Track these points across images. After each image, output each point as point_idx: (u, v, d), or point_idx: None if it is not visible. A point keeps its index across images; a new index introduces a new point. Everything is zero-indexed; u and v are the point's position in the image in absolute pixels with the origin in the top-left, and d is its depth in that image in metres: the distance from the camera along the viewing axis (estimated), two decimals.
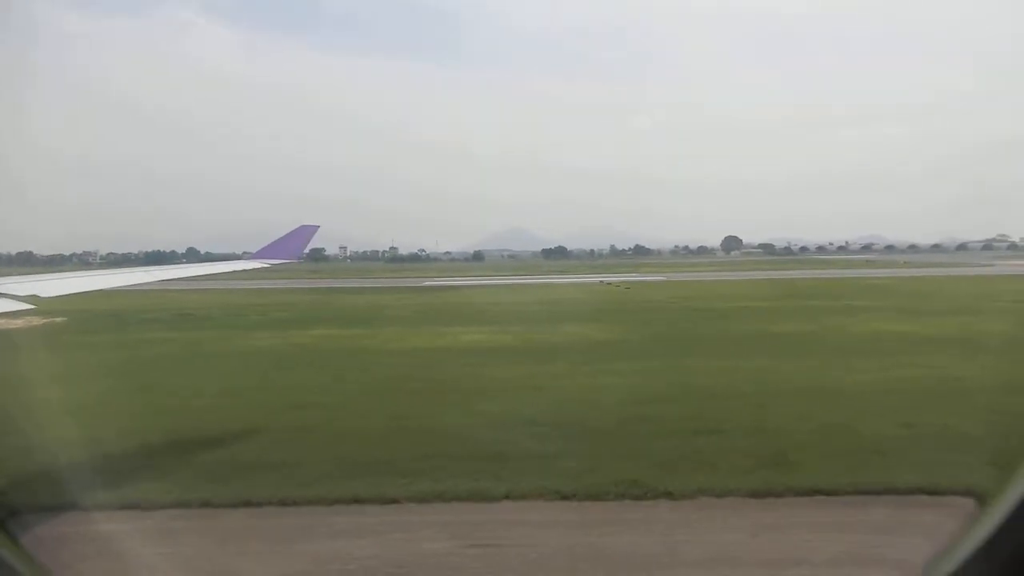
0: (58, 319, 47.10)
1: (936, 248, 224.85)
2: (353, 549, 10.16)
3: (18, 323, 46.06)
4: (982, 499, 9.92)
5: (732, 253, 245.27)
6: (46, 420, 17.51)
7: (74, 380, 23.47)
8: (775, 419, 16.34)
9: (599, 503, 11.65)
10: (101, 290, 15.58)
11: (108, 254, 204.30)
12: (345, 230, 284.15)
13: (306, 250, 19.98)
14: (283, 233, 18.77)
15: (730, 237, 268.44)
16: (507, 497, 11.89)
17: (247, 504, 11.83)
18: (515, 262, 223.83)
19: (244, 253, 19.59)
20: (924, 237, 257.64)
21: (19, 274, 20.66)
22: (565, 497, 11.83)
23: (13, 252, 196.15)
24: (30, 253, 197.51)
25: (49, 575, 5.10)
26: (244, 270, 18.91)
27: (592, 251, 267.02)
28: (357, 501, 11.86)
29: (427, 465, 13.36)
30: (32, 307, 12.76)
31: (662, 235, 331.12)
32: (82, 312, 49.21)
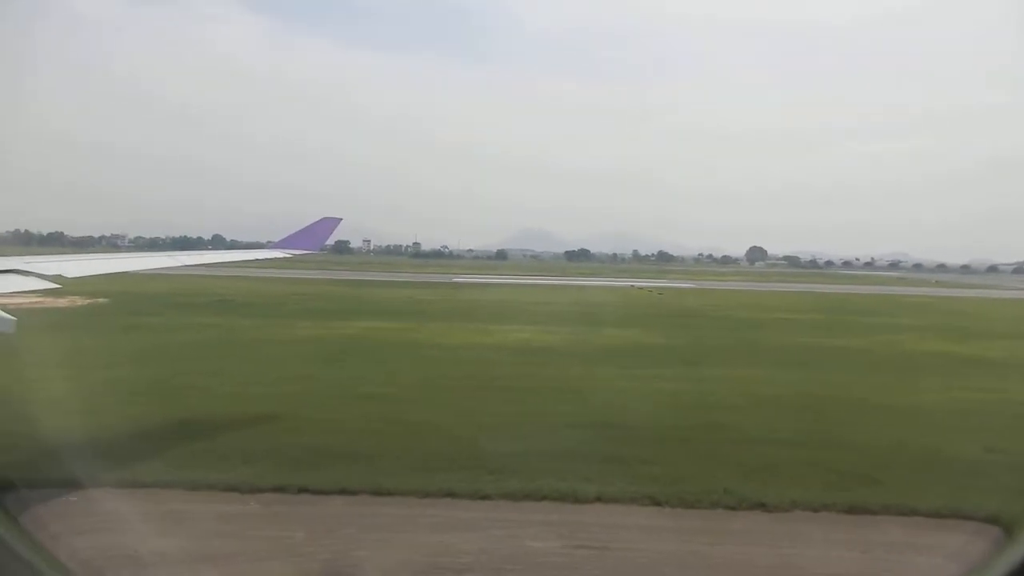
0: (101, 300, 47.97)
1: (966, 269, 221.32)
2: (458, 543, 10.23)
3: (62, 302, 47.09)
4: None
5: (756, 264, 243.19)
6: (122, 401, 17.90)
7: (140, 361, 23.86)
8: (852, 434, 16.19)
9: (693, 511, 11.62)
10: (125, 272, 15.94)
11: (136, 238, 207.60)
12: (367, 223, 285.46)
13: (328, 242, 20.18)
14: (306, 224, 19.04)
15: (755, 248, 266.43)
16: (599, 499, 11.90)
17: (343, 491, 11.94)
18: (538, 262, 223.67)
19: (268, 242, 19.78)
20: (950, 256, 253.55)
21: (47, 254, 20.97)
22: (657, 503, 11.83)
23: (44, 232, 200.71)
24: (61, 234, 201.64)
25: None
26: (266, 259, 19.22)
27: (615, 255, 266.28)
28: (450, 495, 11.93)
29: (511, 463, 13.39)
30: (58, 286, 13.02)
31: (684, 242, 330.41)
32: (120, 294, 49.98)
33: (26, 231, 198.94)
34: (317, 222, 18.94)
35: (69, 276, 13.25)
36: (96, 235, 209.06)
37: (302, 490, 11.97)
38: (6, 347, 26.94)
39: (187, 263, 17.88)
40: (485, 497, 11.91)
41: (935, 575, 9.69)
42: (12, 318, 11.57)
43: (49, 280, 12.67)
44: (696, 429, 16.34)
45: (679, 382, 22.13)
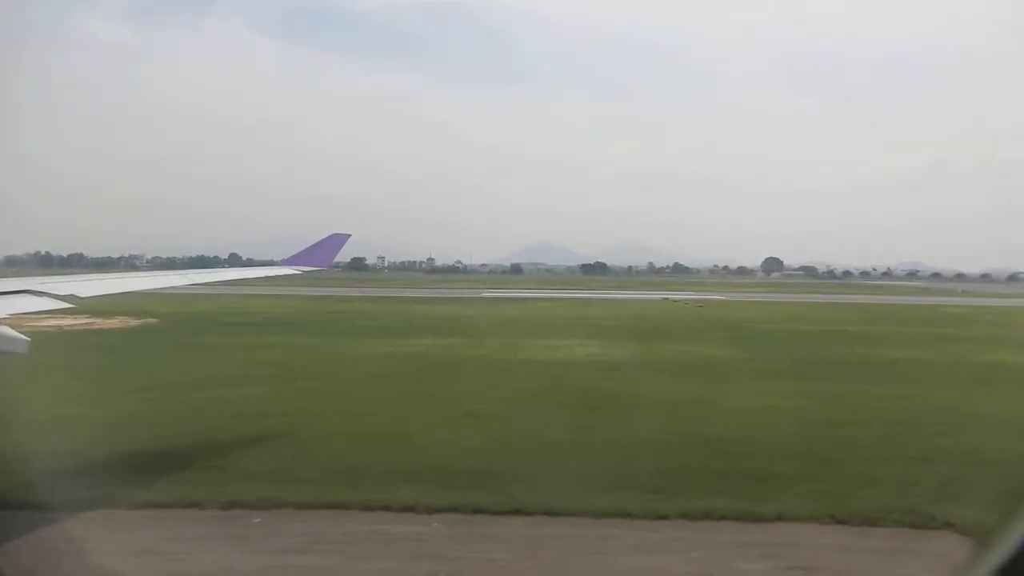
0: (151, 320, 48.26)
1: (986, 277, 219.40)
2: (666, 564, 10.09)
3: (114, 323, 47.44)
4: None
5: (772, 275, 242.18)
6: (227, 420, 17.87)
7: (235, 381, 23.86)
8: (983, 450, 15.88)
9: (880, 529, 11.41)
10: (139, 291, 16.27)
11: (153, 258, 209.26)
12: (376, 238, 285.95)
13: (343, 259, 20.12)
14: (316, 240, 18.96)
15: (770, 258, 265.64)
16: (780, 518, 11.72)
17: (517, 512, 11.81)
18: (556, 276, 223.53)
19: (282, 260, 19.86)
20: (966, 265, 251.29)
21: (66, 275, 21.00)
22: (840, 521, 11.63)
23: (64, 254, 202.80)
24: (80, 255, 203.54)
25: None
26: (277, 276, 19.24)
27: (630, 268, 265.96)
28: (627, 515, 11.78)
29: (664, 482, 13.23)
30: (71, 306, 13.06)
31: (697, 254, 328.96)
32: (167, 315, 50.34)
33: (47, 252, 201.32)
34: (326, 238, 18.92)
35: (82, 296, 13.29)
36: (115, 256, 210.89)
37: (477, 511, 11.87)
38: (131, 364, 27.10)
39: (197, 281, 17.89)
40: (662, 517, 11.75)
41: None
42: (26, 338, 11.67)
43: (62, 300, 12.74)
44: (829, 445, 16.12)
45: (780, 397, 21.87)
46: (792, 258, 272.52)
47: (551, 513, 11.83)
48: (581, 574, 9.88)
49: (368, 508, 11.95)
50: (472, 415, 18.73)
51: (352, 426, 17.42)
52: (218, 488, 12.60)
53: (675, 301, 74.71)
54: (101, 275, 17.43)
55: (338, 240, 18.94)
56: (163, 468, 13.72)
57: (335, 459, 14.53)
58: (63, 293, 12.86)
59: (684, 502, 12.25)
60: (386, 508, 11.93)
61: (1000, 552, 2.84)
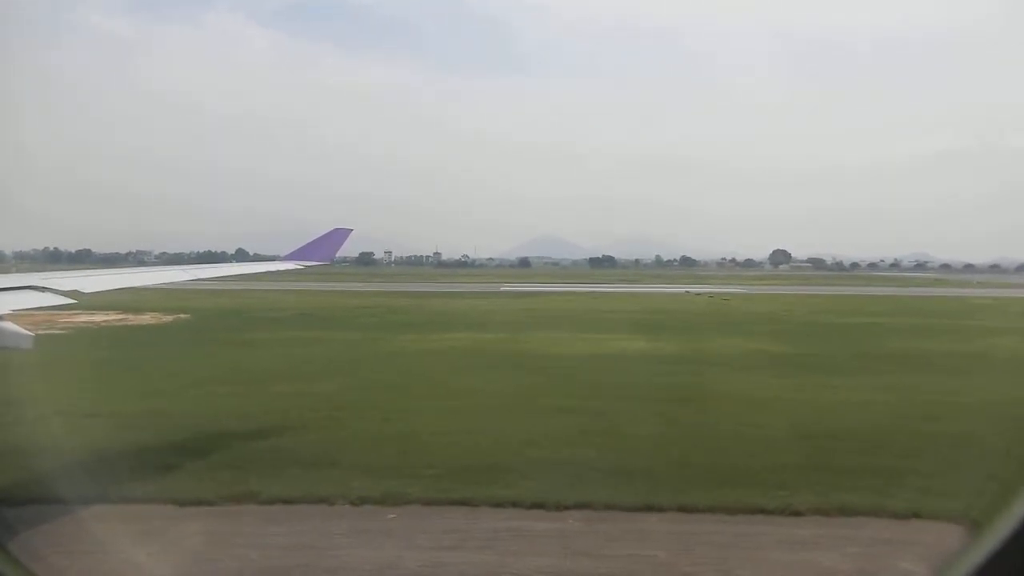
0: (183, 316, 48.21)
1: (995, 268, 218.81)
2: (825, 561, 10.00)
3: (146, 318, 47.40)
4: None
5: (781, 267, 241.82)
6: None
7: (303, 376, 23.77)
8: None
9: None
10: (144, 287, 16.37)
11: (161, 253, 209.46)
12: (380, 235, 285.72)
13: (351, 254, 20.10)
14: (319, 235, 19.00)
15: (778, 251, 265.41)
16: (915, 516, 11.61)
17: (650, 508, 11.72)
18: (565, 270, 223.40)
19: (285, 255, 19.85)
20: (973, 255, 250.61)
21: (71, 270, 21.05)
22: (979, 522, 11.53)
23: (73, 250, 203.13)
24: (88, 251, 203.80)
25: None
26: (280, 271, 19.26)
27: (637, 261, 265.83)
28: (761, 511, 11.69)
29: (781, 477, 13.13)
30: (74, 301, 13.11)
31: (703, 246, 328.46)
32: (197, 310, 50.44)
33: (55, 248, 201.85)
34: (328, 233, 18.87)
35: (86, 291, 13.36)
36: (123, 252, 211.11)
37: (609, 507, 11.80)
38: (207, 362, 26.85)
39: (200, 276, 18.09)
40: (797, 513, 11.65)
41: None
42: (31, 334, 11.82)
43: (66, 296, 12.75)
44: (929, 439, 15.98)
45: (857, 391, 21.64)
46: (798, 250, 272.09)
47: (684, 509, 11.75)
48: (745, 570, 9.78)
49: (498, 505, 11.89)
50: (561, 410, 18.62)
51: (440, 421, 17.33)
52: (341, 484, 12.54)
53: (697, 295, 74.54)
54: (103, 270, 17.40)
55: (340, 235, 18.91)
56: (278, 463, 13.65)
57: (439, 453, 14.42)
58: (66, 289, 12.91)
59: (813, 497, 12.12)
60: (515, 504, 11.87)
61: (992, 540, 2.83)
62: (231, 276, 19.77)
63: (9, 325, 11.72)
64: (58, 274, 14.78)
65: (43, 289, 12.53)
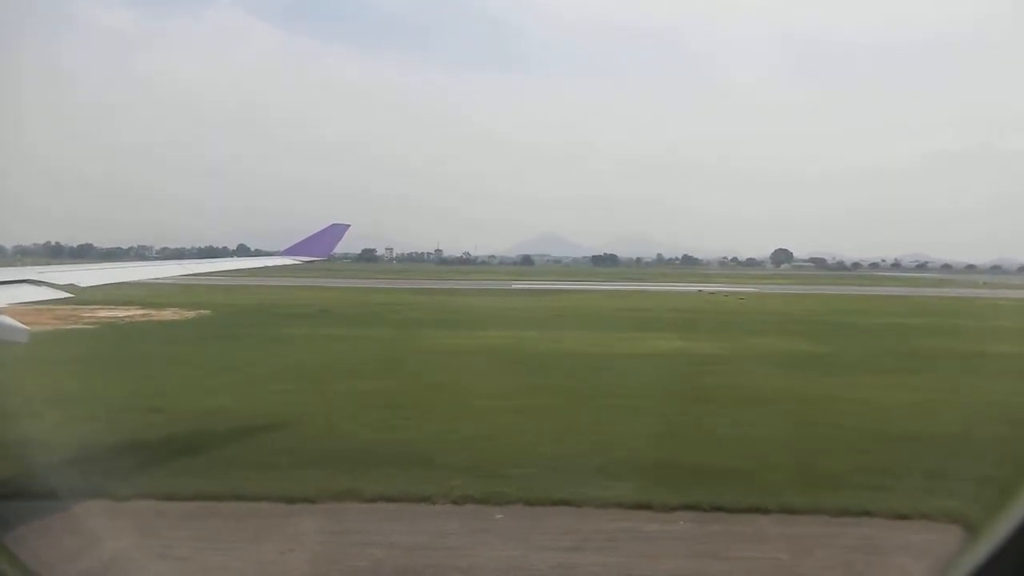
0: (205, 312, 48.08)
1: (996, 269, 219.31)
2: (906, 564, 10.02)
3: (167, 314, 47.26)
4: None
5: (782, 266, 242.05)
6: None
7: (351, 373, 23.68)
8: None
9: None
10: (139, 281, 16.76)
11: (163, 248, 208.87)
12: (381, 231, 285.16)
13: (347, 250, 20.01)
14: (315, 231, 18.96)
15: (780, 250, 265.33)
16: None
17: (756, 510, 11.68)
18: (568, 267, 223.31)
19: (283, 250, 19.82)
20: (972, 256, 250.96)
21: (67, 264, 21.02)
22: None
23: (75, 244, 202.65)
24: (90, 245, 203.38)
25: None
26: (277, 266, 19.30)
27: (639, 259, 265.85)
28: (866, 514, 11.62)
29: (866, 479, 13.03)
30: (70, 295, 13.11)
31: (704, 245, 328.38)
32: (218, 306, 50.30)
33: (56, 243, 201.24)
34: (326, 228, 18.87)
35: (82, 285, 13.37)
36: (125, 247, 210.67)
37: (716, 508, 11.76)
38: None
39: (195, 271, 18.12)
40: (904, 516, 11.58)
41: None
42: (26, 328, 11.84)
43: (62, 290, 12.77)
44: (1005, 443, 15.96)
45: (905, 391, 21.54)
46: (798, 249, 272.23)
47: (788, 511, 11.72)
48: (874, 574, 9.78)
49: (601, 506, 11.84)
50: (626, 410, 18.58)
51: (510, 420, 17.24)
52: (436, 483, 12.48)
53: (711, 293, 74.53)
54: (100, 265, 17.53)
55: (338, 230, 18.87)
56: (366, 462, 13.59)
57: (522, 453, 14.36)
58: (62, 283, 12.93)
59: (906, 501, 12.02)
60: (619, 505, 11.83)
61: (990, 541, 2.83)
62: (229, 271, 19.68)
63: (5, 319, 11.70)
64: (55, 268, 14.84)
65: (39, 283, 12.57)
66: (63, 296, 12.88)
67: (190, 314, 46.90)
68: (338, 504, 11.72)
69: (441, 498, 11.98)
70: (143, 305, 49.86)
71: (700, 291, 78.08)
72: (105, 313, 46.20)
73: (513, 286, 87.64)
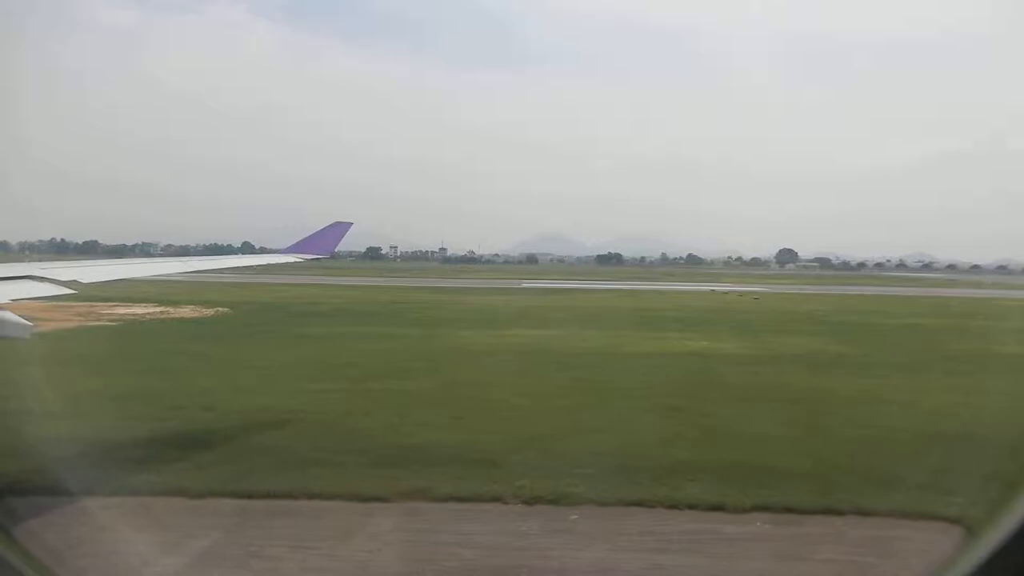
0: (223, 309, 48.09)
1: (1002, 269, 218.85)
2: None
3: (186, 311, 47.34)
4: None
5: (787, 266, 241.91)
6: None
7: (389, 373, 23.66)
8: None
9: None
10: (141, 277, 16.20)
11: (167, 246, 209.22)
12: (385, 230, 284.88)
13: (352, 248, 19.96)
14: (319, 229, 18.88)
15: (785, 249, 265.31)
16: None
17: (828, 511, 11.64)
18: (572, 266, 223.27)
19: (284, 248, 19.82)
20: (975, 255, 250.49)
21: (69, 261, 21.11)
22: None
23: (80, 241, 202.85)
24: (96, 242, 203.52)
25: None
26: (280, 264, 19.23)
27: (643, 259, 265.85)
28: (944, 518, 11.54)
29: (943, 482, 12.83)
30: (74, 292, 13.14)
31: (708, 244, 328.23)
32: (235, 304, 50.28)
33: (62, 240, 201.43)
34: (328, 227, 18.80)
35: (84, 281, 13.40)
36: (130, 244, 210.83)
37: (788, 509, 11.72)
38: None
39: (198, 268, 18.12)
40: (978, 519, 11.58)
41: None
42: (29, 323, 11.87)
43: (64, 286, 12.80)
44: None
45: (950, 392, 21.51)
46: (802, 248, 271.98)
47: (862, 513, 11.67)
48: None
49: (673, 506, 11.80)
50: (672, 408, 18.58)
51: (561, 420, 17.24)
52: (503, 483, 12.45)
53: (725, 293, 74.47)
54: (102, 261, 17.56)
55: (340, 228, 18.81)
56: (426, 461, 13.54)
57: (583, 452, 14.28)
58: (65, 279, 12.95)
59: (991, 505, 12.04)
60: (691, 507, 11.79)
61: (989, 541, 2.82)
62: (232, 268, 19.67)
63: (8, 315, 11.71)
64: (58, 264, 14.87)
65: (42, 279, 12.61)
66: (66, 292, 12.95)
67: (209, 312, 46.95)
68: (410, 503, 11.69)
69: (512, 498, 11.96)
70: (159, 303, 49.93)
71: (713, 291, 78.04)
72: (124, 311, 46.24)
73: (524, 285, 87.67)
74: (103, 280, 14.11)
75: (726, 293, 74.17)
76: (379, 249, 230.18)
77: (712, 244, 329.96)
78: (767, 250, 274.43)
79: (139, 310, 46.91)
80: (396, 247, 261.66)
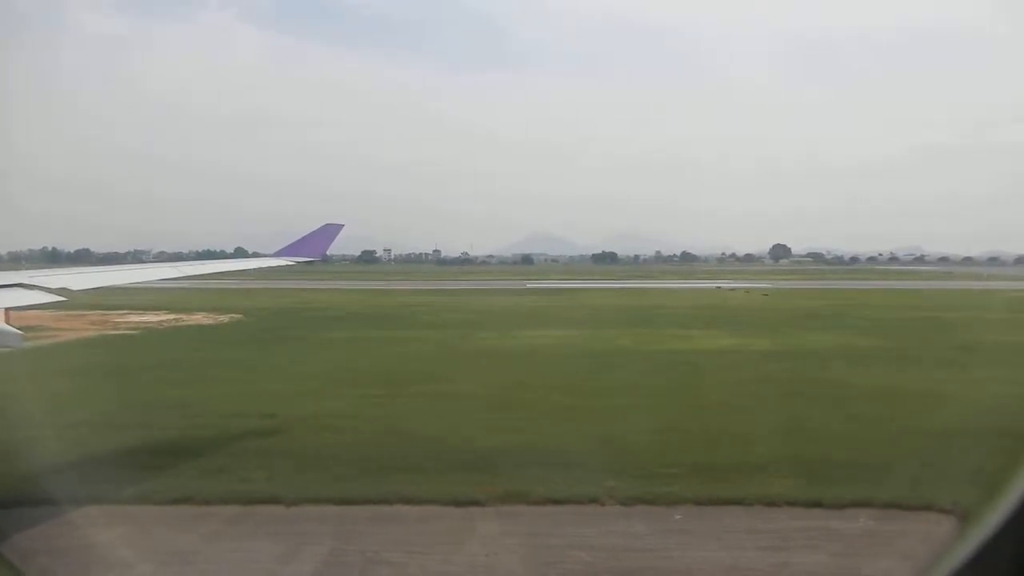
0: (237, 316, 47.68)
1: (994, 261, 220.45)
2: None
3: (199, 318, 46.95)
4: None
5: (781, 261, 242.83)
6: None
7: (428, 376, 23.46)
8: None
9: None
10: (132, 284, 16.46)
11: (159, 252, 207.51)
12: (377, 233, 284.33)
13: (346, 252, 19.85)
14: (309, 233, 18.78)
15: (778, 245, 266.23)
16: None
17: (928, 508, 11.58)
18: (567, 266, 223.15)
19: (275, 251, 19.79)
20: (966, 248, 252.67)
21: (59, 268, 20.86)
22: None
23: (71, 249, 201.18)
24: (87, 251, 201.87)
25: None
26: (271, 267, 19.30)
27: (637, 257, 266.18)
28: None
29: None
30: (63, 299, 13.14)
31: (700, 241, 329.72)
32: (247, 310, 49.84)
33: (53, 248, 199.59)
34: (319, 229, 18.78)
35: (74, 289, 13.43)
36: (122, 251, 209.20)
37: (888, 505, 11.67)
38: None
39: (189, 273, 18.08)
40: None
41: None
42: (20, 332, 11.96)
43: (54, 293, 12.78)
44: None
45: (982, 385, 21.16)
46: (795, 244, 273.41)
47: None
48: None
49: (771, 504, 11.72)
50: (724, 405, 18.58)
51: (631, 419, 17.12)
52: (593, 484, 12.34)
53: (731, 289, 74.64)
54: (92, 268, 17.35)
55: (331, 230, 18.78)
56: (504, 464, 13.41)
57: (659, 452, 14.19)
58: (55, 286, 12.93)
59: None
60: (789, 503, 11.73)
61: (982, 530, 2.83)
62: (222, 273, 19.62)
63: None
64: (48, 271, 14.78)
65: (32, 287, 12.57)
66: (56, 299, 12.89)
67: (223, 318, 46.54)
68: (507, 507, 11.58)
69: (608, 499, 11.86)
70: (169, 310, 49.53)
71: (719, 287, 78.19)
72: (136, 318, 45.84)
73: (528, 285, 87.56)
74: (93, 287, 14.04)
75: (732, 290, 74.32)
76: (373, 252, 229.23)
77: (705, 241, 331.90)
78: (760, 246, 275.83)
79: (152, 318, 46.46)
80: (390, 250, 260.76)
